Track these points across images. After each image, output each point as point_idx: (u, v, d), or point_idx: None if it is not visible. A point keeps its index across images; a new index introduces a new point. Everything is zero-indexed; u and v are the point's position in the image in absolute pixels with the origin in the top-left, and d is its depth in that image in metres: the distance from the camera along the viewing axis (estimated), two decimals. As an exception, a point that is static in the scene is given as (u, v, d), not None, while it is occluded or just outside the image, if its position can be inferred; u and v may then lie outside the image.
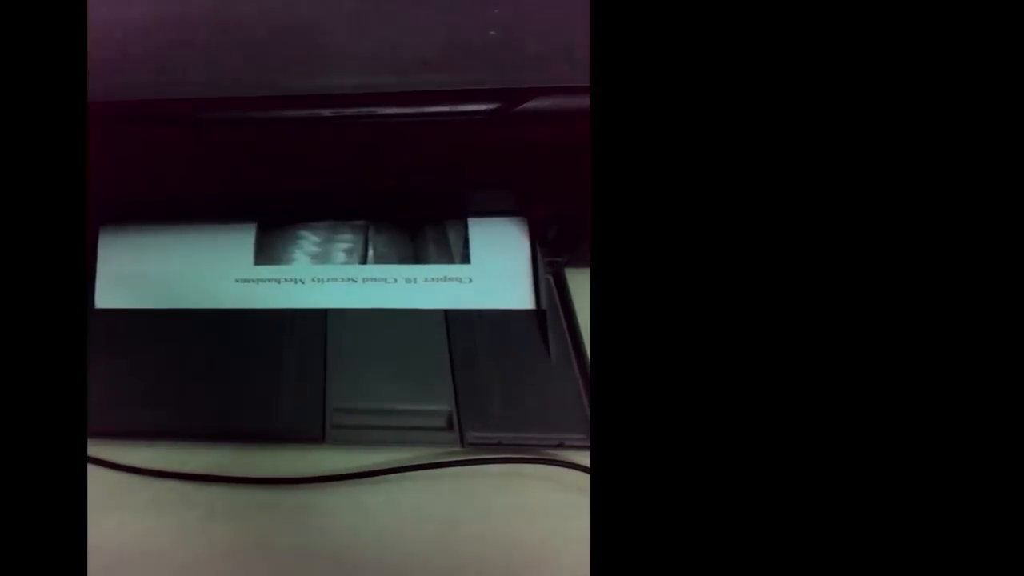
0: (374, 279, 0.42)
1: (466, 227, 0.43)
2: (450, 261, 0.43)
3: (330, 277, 0.42)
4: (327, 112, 0.31)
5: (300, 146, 0.34)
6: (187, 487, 0.37)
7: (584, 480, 0.37)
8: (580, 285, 0.43)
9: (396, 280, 0.42)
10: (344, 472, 0.37)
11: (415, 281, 0.42)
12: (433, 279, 0.42)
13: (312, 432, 0.38)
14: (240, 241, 0.43)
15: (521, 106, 0.31)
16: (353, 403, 0.38)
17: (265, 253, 0.43)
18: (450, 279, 0.42)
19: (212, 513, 0.37)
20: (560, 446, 0.38)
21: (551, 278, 0.43)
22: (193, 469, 0.38)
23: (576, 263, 0.44)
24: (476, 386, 0.39)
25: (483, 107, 0.31)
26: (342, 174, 0.36)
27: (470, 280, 0.42)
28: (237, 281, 0.42)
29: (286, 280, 0.42)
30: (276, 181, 0.37)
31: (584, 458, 0.37)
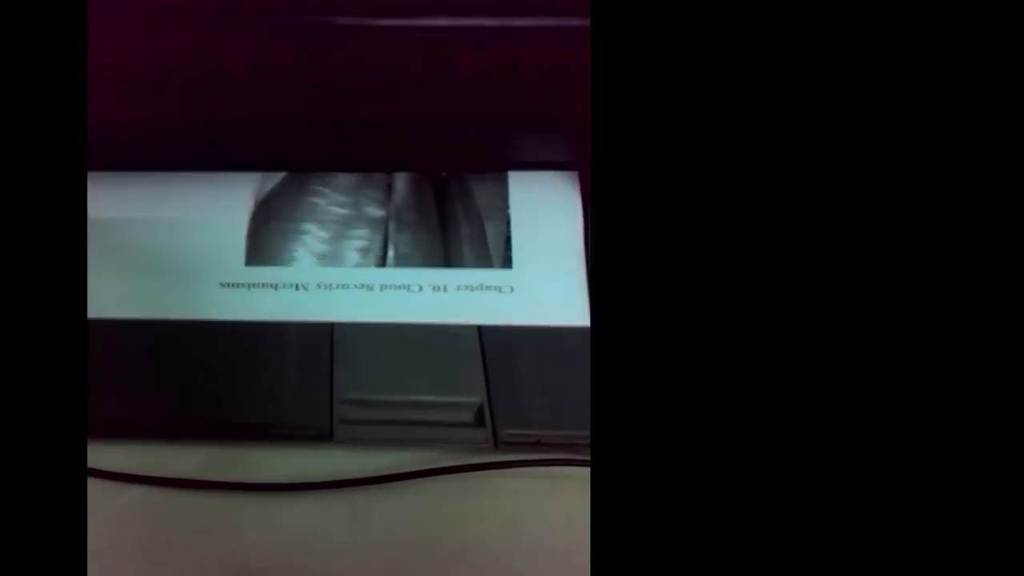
0: (394, 286, 0.37)
1: (508, 223, 0.38)
2: (488, 265, 0.37)
3: (340, 283, 0.37)
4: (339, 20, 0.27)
5: (298, 66, 0.29)
6: (164, 495, 0.33)
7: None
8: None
9: (421, 288, 0.37)
10: (352, 477, 0.32)
11: (444, 289, 0.37)
12: (467, 287, 0.37)
13: (317, 429, 0.33)
14: (228, 235, 0.37)
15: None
16: (364, 394, 0.33)
17: (259, 251, 0.37)
18: (488, 288, 0.37)
19: (193, 525, 0.32)
20: (610, 445, 0.33)
21: None
22: (171, 473, 0.33)
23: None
24: (511, 374, 0.34)
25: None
26: (357, 103, 0.31)
27: (511, 289, 0.37)
28: (222, 286, 0.36)
29: (284, 286, 0.37)
30: (257, 109, 0.31)
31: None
